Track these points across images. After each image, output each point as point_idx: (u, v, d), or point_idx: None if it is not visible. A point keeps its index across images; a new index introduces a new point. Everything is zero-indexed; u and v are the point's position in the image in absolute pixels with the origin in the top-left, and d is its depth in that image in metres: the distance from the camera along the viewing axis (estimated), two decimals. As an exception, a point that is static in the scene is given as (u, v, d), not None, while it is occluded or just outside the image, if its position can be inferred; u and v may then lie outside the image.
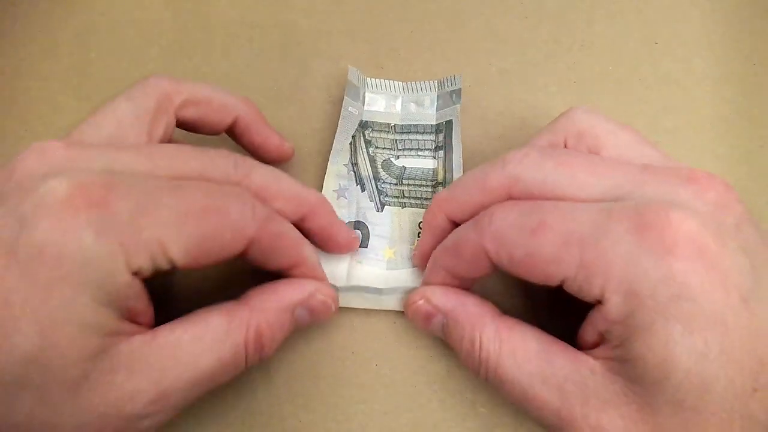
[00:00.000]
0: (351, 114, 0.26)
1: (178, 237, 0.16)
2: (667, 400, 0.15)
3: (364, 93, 0.27)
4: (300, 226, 0.21)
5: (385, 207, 0.25)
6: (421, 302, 0.20)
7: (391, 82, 0.27)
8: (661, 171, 0.17)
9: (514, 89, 0.28)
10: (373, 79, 0.27)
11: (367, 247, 0.24)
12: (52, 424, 0.14)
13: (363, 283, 0.22)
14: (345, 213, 0.24)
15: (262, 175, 0.19)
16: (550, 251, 0.16)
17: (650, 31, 0.29)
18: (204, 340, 0.17)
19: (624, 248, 0.15)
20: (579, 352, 0.17)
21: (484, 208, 0.18)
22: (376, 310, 0.23)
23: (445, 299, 0.20)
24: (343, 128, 0.25)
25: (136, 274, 0.15)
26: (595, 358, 0.16)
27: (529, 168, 0.18)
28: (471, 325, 0.19)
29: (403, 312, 0.23)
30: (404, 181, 0.25)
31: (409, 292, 0.21)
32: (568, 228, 0.16)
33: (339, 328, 0.23)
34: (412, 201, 0.25)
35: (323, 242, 0.22)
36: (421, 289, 0.20)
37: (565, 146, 0.20)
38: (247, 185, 0.19)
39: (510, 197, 0.18)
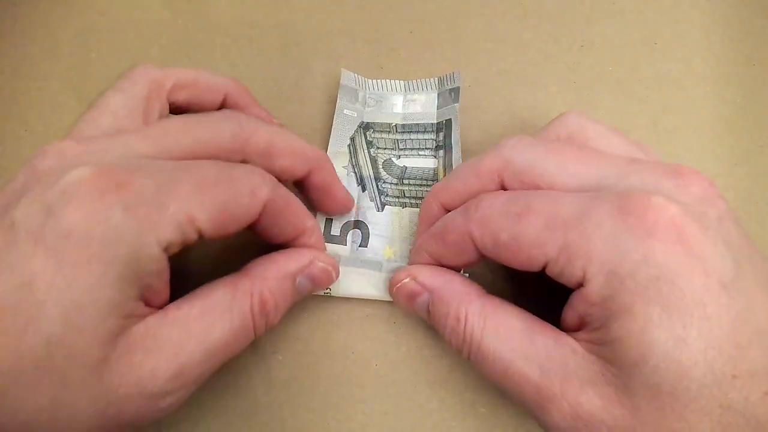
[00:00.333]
0: (347, 117, 0.26)
1: (202, 206, 0.16)
2: (644, 384, 0.15)
3: (366, 95, 0.27)
4: (303, 181, 0.22)
5: (386, 207, 0.25)
6: (407, 280, 0.20)
7: (392, 81, 0.27)
8: (646, 163, 0.17)
9: (514, 89, 0.28)
10: (373, 80, 0.27)
11: (366, 246, 0.24)
12: (75, 408, 0.14)
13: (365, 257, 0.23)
14: (345, 213, 0.24)
15: (268, 131, 0.20)
16: (533, 234, 0.16)
17: (650, 32, 0.29)
18: (212, 312, 0.17)
19: (606, 231, 0.15)
20: (561, 332, 0.17)
21: (476, 194, 0.19)
22: (376, 309, 0.23)
23: (432, 278, 0.20)
24: (338, 132, 0.26)
25: (165, 249, 0.16)
26: (577, 340, 0.16)
27: (521, 151, 0.18)
28: (457, 302, 0.19)
29: (403, 312, 0.23)
30: (405, 181, 0.25)
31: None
32: (552, 212, 0.16)
33: (339, 328, 0.23)
34: (413, 201, 0.25)
35: (322, 198, 0.22)
36: (407, 268, 0.21)
37: None
38: (256, 142, 0.19)
39: (501, 181, 0.19)
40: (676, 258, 0.15)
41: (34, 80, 0.28)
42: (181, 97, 0.22)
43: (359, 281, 0.23)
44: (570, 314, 0.17)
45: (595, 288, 0.16)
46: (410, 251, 0.23)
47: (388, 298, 0.22)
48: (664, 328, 0.14)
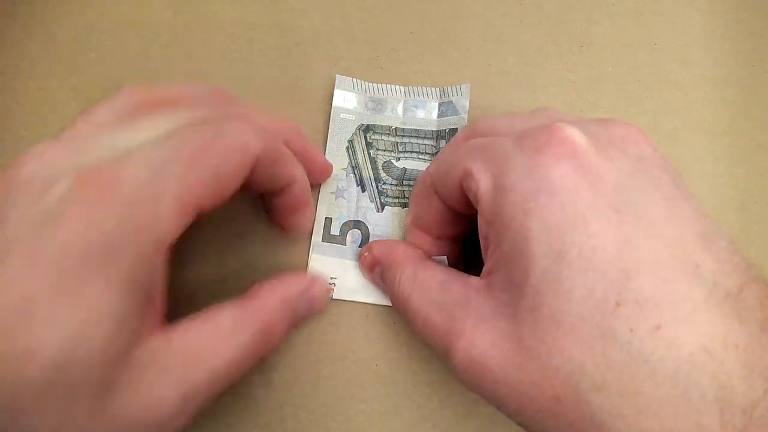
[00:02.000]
0: (343, 120, 0.26)
1: (197, 183, 0.16)
2: (527, 308, 0.14)
3: (365, 98, 0.27)
4: None
5: (386, 207, 0.25)
6: (366, 254, 0.22)
7: (392, 86, 0.27)
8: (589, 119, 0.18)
9: (514, 90, 0.28)
10: (373, 84, 0.27)
11: (367, 247, 0.24)
12: None
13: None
14: (344, 212, 0.24)
15: (241, 108, 0.21)
16: (459, 158, 0.18)
17: (649, 33, 0.29)
18: (217, 336, 0.17)
19: (503, 149, 0.16)
20: (472, 277, 0.17)
21: None
22: (375, 309, 0.23)
23: (380, 249, 0.22)
24: (335, 136, 0.26)
25: (167, 246, 0.16)
26: (482, 277, 0.17)
27: (484, 120, 0.21)
28: (395, 267, 0.20)
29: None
30: (405, 182, 0.25)
31: None
32: (479, 141, 0.18)
33: (339, 328, 0.23)
34: (412, 201, 0.25)
35: (303, 164, 0.23)
36: (368, 243, 0.23)
37: None
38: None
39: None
40: (561, 172, 0.14)
41: (34, 80, 0.28)
42: None
43: (359, 284, 0.23)
44: (482, 246, 0.17)
45: (486, 202, 0.16)
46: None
47: (387, 302, 0.23)
48: (543, 243, 0.14)
